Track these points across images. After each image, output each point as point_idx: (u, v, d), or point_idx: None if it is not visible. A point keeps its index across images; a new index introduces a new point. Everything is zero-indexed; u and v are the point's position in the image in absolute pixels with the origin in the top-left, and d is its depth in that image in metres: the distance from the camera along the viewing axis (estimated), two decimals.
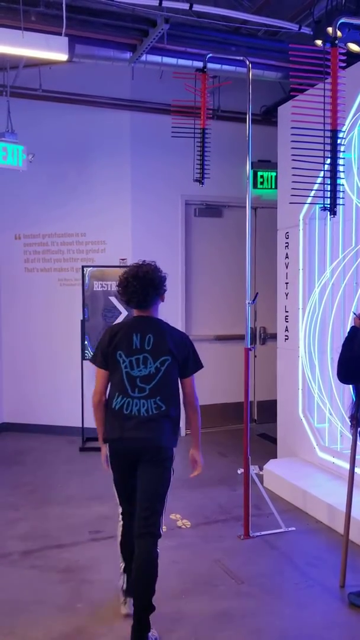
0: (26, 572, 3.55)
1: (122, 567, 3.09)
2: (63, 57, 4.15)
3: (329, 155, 3.27)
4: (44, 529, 4.14)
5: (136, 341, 2.89)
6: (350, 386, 3.46)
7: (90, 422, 6.26)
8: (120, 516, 3.06)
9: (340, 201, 3.40)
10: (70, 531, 4.11)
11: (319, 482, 4.62)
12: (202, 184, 4.38)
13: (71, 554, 3.78)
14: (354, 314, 3.50)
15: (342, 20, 3.32)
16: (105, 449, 3.00)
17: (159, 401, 2.86)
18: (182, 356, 2.92)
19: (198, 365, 3.01)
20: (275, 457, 5.47)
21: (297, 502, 4.55)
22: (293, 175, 3.27)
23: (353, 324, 3.40)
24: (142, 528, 2.80)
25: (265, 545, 3.92)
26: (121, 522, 3.05)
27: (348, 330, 3.45)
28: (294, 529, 4.14)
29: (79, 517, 4.36)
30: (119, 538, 3.07)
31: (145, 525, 2.80)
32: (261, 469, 4.74)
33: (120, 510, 3.06)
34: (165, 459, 2.86)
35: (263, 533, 4.04)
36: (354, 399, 3.40)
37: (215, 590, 3.34)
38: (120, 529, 3.06)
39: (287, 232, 5.33)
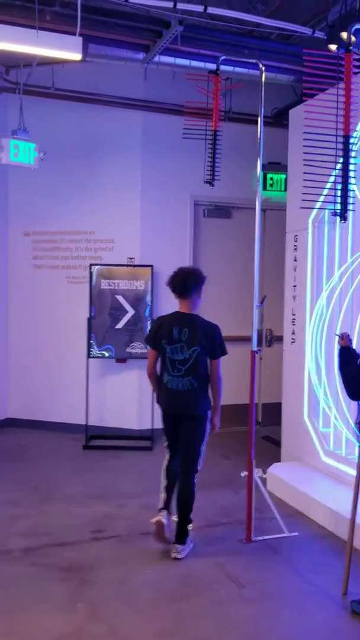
0: (27, 570, 3.55)
1: (163, 485, 3.92)
2: (77, 56, 4.15)
3: (341, 161, 3.25)
4: (45, 527, 4.15)
5: (175, 333, 3.75)
6: None
7: (94, 420, 6.33)
8: (167, 449, 3.94)
9: (350, 207, 3.38)
10: (72, 530, 4.11)
11: (323, 487, 4.60)
12: (213, 185, 4.38)
13: (72, 552, 3.78)
14: (337, 335, 3.52)
15: (357, 26, 3.30)
16: None
17: (191, 379, 3.74)
18: (209, 344, 3.75)
19: (223, 352, 3.82)
20: (279, 460, 5.46)
21: (301, 507, 4.54)
22: (304, 180, 3.26)
23: (340, 345, 3.41)
24: (184, 465, 3.82)
25: (267, 549, 3.91)
26: (167, 454, 3.94)
27: (337, 352, 3.46)
28: (296, 534, 4.13)
29: (81, 515, 4.37)
30: (165, 463, 3.95)
31: (186, 463, 3.82)
32: (264, 472, 4.74)
33: (166, 444, 3.95)
34: (197, 420, 3.79)
35: (265, 537, 4.03)
36: None
37: (216, 594, 3.33)
38: (166, 457, 3.94)
39: (296, 235, 5.31)
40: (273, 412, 6.20)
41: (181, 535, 3.77)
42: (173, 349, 3.73)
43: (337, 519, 4.11)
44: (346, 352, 3.37)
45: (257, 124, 4.08)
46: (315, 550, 3.95)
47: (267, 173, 6.61)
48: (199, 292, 3.83)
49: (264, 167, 6.32)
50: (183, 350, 3.72)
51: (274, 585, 3.47)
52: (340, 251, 4.83)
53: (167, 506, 3.87)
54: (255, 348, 4.16)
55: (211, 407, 3.86)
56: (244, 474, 4.15)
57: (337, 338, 3.56)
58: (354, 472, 4.42)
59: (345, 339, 3.42)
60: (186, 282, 3.76)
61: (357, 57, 3.19)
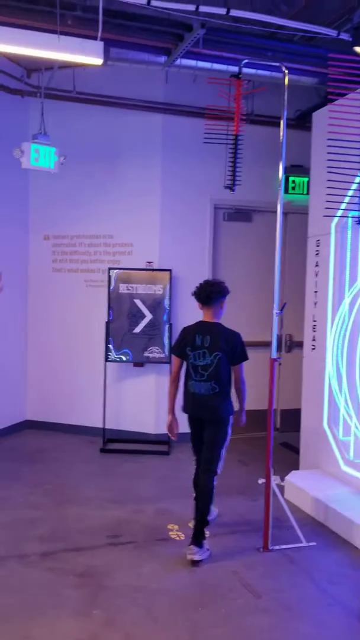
0: (43, 575, 3.55)
1: (194, 496, 4.02)
2: (98, 61, 4.15)
3: None
4: (62, 531, 4.14)
5: (198, 340, 3.97)
6: None
7: (111, 423, 6.32)
8: (195, 462, 4.12)
9: None
10: (89, 534, 4.10)
11: (342, 496, 4.53)
12: (233, 191, 4.33)
13: (88, 558, 3.77)
14: None
15: None
16: (169, 418, 4.15)
17: (213, 384, 3.93)
18: (230, 350, 3.93)
19: (243, 357, 4.00)
20: (297, 467, 5.40)
21: (319, 516, 4.47)
22: (328, 187, 3.21)
23: None
24: (204, 466, 3.97)
25: (284, 559, 3.86)
26: (195, 465, 4.12)
27: None
28: (314, 543, 4.07)
29: (98, 519, 4.36)
30: (194, 475, 4.11)
31: (205, 464, 3.96)
32: (282, 479, 4.68)
33: (194, 458, 4.13)
34: (218, 423, 3.97)
35: (283, 547, 3.98)
36: None
37: (232, 604, 3.29)
38: (195, 468, 4.11)
39: (318, 240, 5.25)
40: (292, 418, 6.14)
41: (197, 536, 3.83)
42: (196, 355, 3.96)
43: (356, 529, 4.04)
44: None
45: (279, 126, 4.03)
46: (333, 560, 3.88)
47: (289, 176, 6.54)
48: (222, 302, 4.05)
49: (285, 169, 6.28)
50: (205, 356, 3.95)
51: (290, 596, 3.42)
52: None
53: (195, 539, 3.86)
54: (274, 356, 4.11)
55: (237, 410, 4.11)
56: (261, 481, 4.11)
57: None
58: None
59: None
60: (210, 293, 4.00)
61: None
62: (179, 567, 3.70)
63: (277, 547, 3.97)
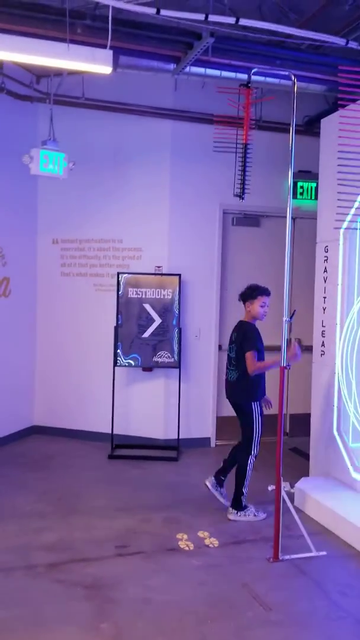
0: (51, 587, 3.54)
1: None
2: (107, 70, 4.15)
3: None
4: (69, 541, 4.14)
5: (232, 336, 4.76)
6: None
7: (120, 429, 6.31)
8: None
9: None
10: (96, 544, 4.09)
11: (353, 504, 4.51)
12: (243, 199, 4.31)
13: (96, 569, 3.76)
14: None
15: None
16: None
17: (235, 372, 4.66)
18: (239, 341, 4.61)
19: (248, 347, 4.54)
20: (307, 473, 5.38)
21: (329, 525, 4.45)
22: (339, 192, 3.18)
23: None
24: (239, 443, 4.73)
25: (294, 569, 3.84)
26: None
27: None
28: (325, 553, 4.05)
29: (105, 529, 4.35)
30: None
31: (239, 441, 4.71)
32: (292, 486, 4.66)
33: None
34: (240, 407, 4.67)
35: (293, 557, 3.96)
36: None
37: (242, 617, 3.28)
38: None
39: (327, 246, 5.22)
40: (302, 423, 6.11)
41: (233, 500, 4.64)
42: (229, 348, 4.77)
43: None
44: None
45: (288, 132, 4.01)
46: (344, 571, 3.86)
47: (297, 181, 6.53)
48: (250, 303, 4.66)
49: (294, 175, 6.26)
50: (232, 349, 4.72)
51: (301, 609, 3.40)
52: None
53: (217, 475, 4.78)
54: (284, 363, 4.10)
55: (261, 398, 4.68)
56: (271, 488, 4.09)
57: None
58: None
59: None
60: (243, 293, 4.72)
61: None
62: (188, 578, 3.69)
63: (287, 557, 3.95)
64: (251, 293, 4.64)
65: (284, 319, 4.12)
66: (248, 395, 4.59)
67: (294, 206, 6.25)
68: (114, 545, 4.08)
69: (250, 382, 4.57)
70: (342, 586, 3.66)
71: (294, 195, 6.55)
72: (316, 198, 5.60)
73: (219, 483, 4.77)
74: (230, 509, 4.63)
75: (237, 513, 4.61)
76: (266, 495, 4.69)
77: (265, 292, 4.64)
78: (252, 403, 4.58)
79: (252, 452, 4.61)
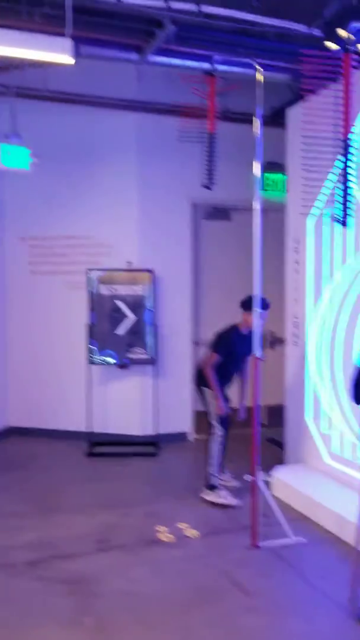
0: (32, 584, 3.50)
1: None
2: (68, 59, 4.08)
3: (340, 164, 3.19)
4: (50, 538, 4.10)
5: None
6: None
7: (97, 427, 6.27)
8: None
9: (351, 212, 3.32)
10: (77, 541, 4.06)
11: (328, 490, 4.56)
12: (210, 189, 4.31)
13: (77, 565, 3.73)
14: None
15: (355, 24, 3.23)
16: None
17: None
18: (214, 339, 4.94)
19: (211, 347, 4.87)
20: (283, 462, 5.42)
21: (306, 511, 4.49)
22: (303, 185, 3.21)
23: None
24: None
25: (273, 556, 3.86)
26: None
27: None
28: (302, 539, 4.08)
29: (86, 525, 4.32)
30: None
31: None
32: (269, 474, 4.70)
33: None
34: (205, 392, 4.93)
35: (272, 544, 3.98)
36: None
37: (223, 604, 3.29)
38: None
39: (296, 237, 5.26)
40: (278, 414, 6.15)
41: (205, 480, 4.82)
42: None
43: (343, 523, 4.06)
44: None
45: (253, 123, 4.02)
46: (322, 555, 3.90)
47: (264, 173, 6.54)
48: (248, 314, 4.62)
49: (262, 167, 6.25)
50: None
51: (280, 593, 3.43)
52: (341, 253, 4.77)
53: None
54: (259, 354, 4.11)
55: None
56: (248, 477, 4.10)
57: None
58: (358, 475, 4.40)
59: None
60: (243, 302, 4.81)
61: (356, 57, 3.13)
62: (170, 569, 3.69)
63: (266, 545, 3.97)
64: (248, 304, 4.54)
65: (257, 310, 4.13)
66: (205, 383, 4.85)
67: (263, 198, 6.27)
68: (95, 541, 4.06)
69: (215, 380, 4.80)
70: (321, 570, 3.70)
71: (263, 188, 6.56)
72: (285, 190, 5.63)
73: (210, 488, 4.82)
74: (204, 488, 4.77)
75: (207, 493, 4.76)
76: (244, 485, 4.75)
77: (264, 305, 4.52)
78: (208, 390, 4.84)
79: (216, 432, 4.81)
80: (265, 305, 4.50)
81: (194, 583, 3.52)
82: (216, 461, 4.80)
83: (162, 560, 3.79)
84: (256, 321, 4.18)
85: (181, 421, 6.49)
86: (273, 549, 3.94)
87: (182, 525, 4.28)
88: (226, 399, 4.89)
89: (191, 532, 4.18)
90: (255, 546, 3.96)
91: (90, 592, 3.42)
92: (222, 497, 4.71)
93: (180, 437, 6.47)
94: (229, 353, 4.81)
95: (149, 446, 6.15)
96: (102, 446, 6.19)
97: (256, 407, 4.09)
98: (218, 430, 4.82)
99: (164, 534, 4.16)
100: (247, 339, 4.55)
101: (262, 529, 4.03)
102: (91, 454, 6.01)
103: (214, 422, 4.84)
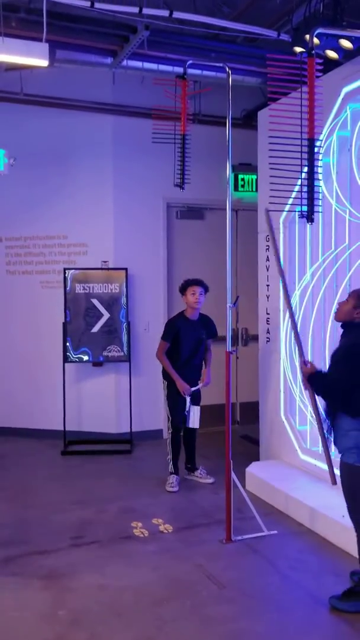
0: (7, 580, 3.53)
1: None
2: (43, 63, 4.14)
3: (306, 164, 3.30)
4: (24, 535, 4.13)
5: None
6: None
7: (72, 425, 6.30)
8: None
9: (319, 209, 3.43)
10: (51, 537, 4.10)
11: (301, 484, 4.66)
12: (183, 189, 4.39)
13: (52, 560, 3.77)
14: (305, 363, 3.44)
15: (319, 30, 3.34)
16: None
17: None
18: None
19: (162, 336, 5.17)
20: (257, 459, 5.51)
21: (279, 505, 4.58)
22: (271, 183, 3.30)
23: (307, 373, 3.35)
24: None
25: (247, 549, 3.95)
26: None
27: (308, 380, 3.37)
28: (275, 532, 4.17)
29: (60, 522, 4.35)
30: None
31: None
32: (244, 471, 4.77)
33: None
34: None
35: (245, 537, 4.07)
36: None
37: (196, 596, 3.36)
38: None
39: (268, 236, 5.36)
40: (251, 411, 6.25)
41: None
42: None
43: (315, 515, 4.16)
44: (317, 376, 3.33)
45: (226, 125, 4.12)
46: (294, 547, 3.99)
47: (237, 174, 6.67)
48: (184, 296, 5.14)
49: (234, 168, 6.39)
50: None
51: (253, 585, 3.51)
52: (311, 250, 4.89)
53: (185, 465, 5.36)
54: (229, 349, 4.19)
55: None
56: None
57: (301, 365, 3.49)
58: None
59: (311, 365, 3.40)
60: (179, 289, 5.22)
61: (320, 61, 3.23)
62: (143, 563, 3.74)
63: (239, 538, 4.05)
64: (182, 287, 5.12)
65: (228, 305, 4.22)
66: (163, 374, 5.16)
67: (235, 198, 6.38)
68: (69, 537, 4.10)
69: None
70: (293, 561, 3.78)
71: (235, 188, 6.69)
72: (257, 190, 5.73)
73: (190, 470, 5.27)
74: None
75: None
76: (218, 482, 4.84)
77: (192, 282, 5.08)
78: (164, 381, 5.16)
79: (169, 424, 5.16)
80: (198, 282, 5.07)
81: (167, 576, 3.59)
82: (169, 451, 5.12)
83: (136, 555, 3.85)
84: (194, 299, 5.00)
85: (156, 418, 6.55)
86: (246, 541, 4.03)
87: (156, 521, 4.34)
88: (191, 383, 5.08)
89: (165, 527, 4.24)
90: (228, 540, 4.03)
91: (65, 586, 3.46)
92: (167, 484, 5.02)
93: (155, 434, 6.52)
94: (177, 338, 5.06)
95: (124, 444, 6.20)
96: (78, 444, 6.22)
97: (228, 403, 4.17)
98: (170, 423, 5.13)
99: (138, 529, 4.21)
100: (194, 323, 5.11)
101: (236, 523, 4.11)
102: (66, 452, 6.03)
103: (168, 415, 5.17)
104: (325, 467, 4.58)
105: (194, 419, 5.07)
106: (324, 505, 4.18)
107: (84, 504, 4.69)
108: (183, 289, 5.13)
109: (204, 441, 5.82)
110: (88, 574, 3.59)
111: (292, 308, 3.90)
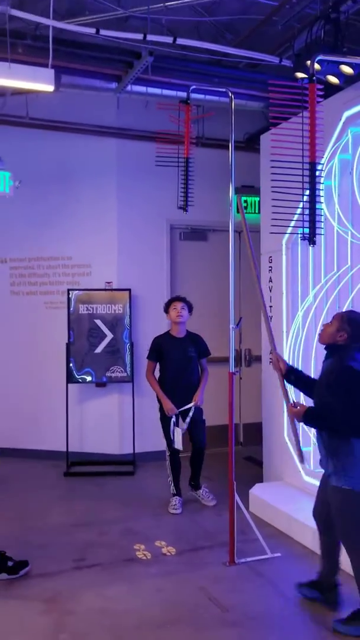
0: (9, 603, 3.51)
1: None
2: (49, 88, 4.22)
3: (308, 187, 3.34)
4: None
5: None
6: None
7: (75, 446, 6.27)
8: None
9: (321, 231, 3.46)
10: (54, 559, 4.07)
11: (304, 506, 4.60)
12: (186, 211, 4.45)
13: (54, 583, 3.74)
14: (294, 404, 3.44)
15: (320, 57, 3.41)
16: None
17: None
18: None
19: None
20: (261, 480, 5.48)
21: (283, 527, 4.55)
22: (273, 206, 3.34)
23: (300, 415, 3.33)
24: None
25: (250, 571, 3.91)
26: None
27: (303, 420, 3.36)
28: (279, 554, 4.13)
29: (63, 544, 4.32)
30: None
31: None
32: (247, 493, 4.73)
33: None
34: None
35: (248, 559, 4.03)
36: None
37: (200, 619, 3.32)
38: None
39: (271, 257, 5.40)
40: (255, 432, 6.23)
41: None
42: None
43: (317, 536, 4.11)
44: (313, 414, 3.30)
45: (229, 148, 4.18)
46: (298, 570, 3.94)
47: (240, 196, 6.71)
48: (167, 314, 5.23)
49: (237, 190, 6.44)
50: None
51: (257, 608, 3.47)
52: (313, 271, 4.92)
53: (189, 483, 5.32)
54: (232, 369, 4.20)
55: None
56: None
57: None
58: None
59: (300, 405, 3.39)
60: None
61: (321, 87, 3.29)
62: (146, 586, 3.71)
63: (242, 560, 4.02)
64: (166, 306, 5.22)
65: (231, 326, 4.24)
66: (157, 395, 5.12)
67: (237, 220, 6.43)
68: (72, 560, 4.06)
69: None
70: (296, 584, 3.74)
71: (238, 210, 6.73)
72: (259, 212, 5.79)
73: (193, 487, 5.25)
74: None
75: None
76: (221, 503, 4.81)
77: (173, 299, 5.22)
78: (158, 403, 5.12)
79: (166, 446, 5.11)
80: (179, 299, 5.16)
81: (170, 599, 3.55)
82: (169, 473, 5.13)
83: (138, 578, 3.81)
84: (175, 313, 5.04)
85: (159, 439, 6.49)
86: (250, 564, 3.99)
87: (159, 543, 4.31)
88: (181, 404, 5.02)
89: (168, 550, 4.21)
90: (232, 562, 4.00)
91: (67, 610, 3.43)
92: (170, 506, 5.01)
93: (158, 456, 6.47)
94: (163, 358, 5.08)
95: (127, 465, 6.17)
96: (80, 465, 6.20)
97: (231, 423, 4.17)
98: (168, 448, 5.09)
99: (140, 551, 4.18)
100: (180, 341, 5.12)
101: (240, 545, 4.08)
102: (69, 474, 6.01)
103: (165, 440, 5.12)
104: None
105: (177, 441, 4.95)
106: None
107: (86, 526, 4.66)
108: (166, 307, 5.17)
109: (207, 462, 5.78)
110: (90, 597, 3.56)
111: (266, 307, 3.97)
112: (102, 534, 4.52)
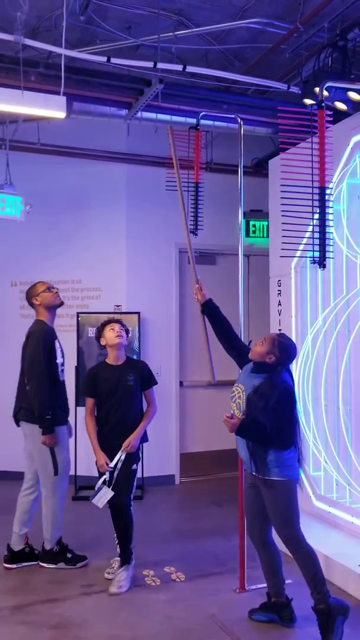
0: (16, 629, 3.46)
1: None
2: (61, 115, 4.31)
3: (318, 211, 3.37)
4: (35, 583, 4.06)
5: None
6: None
7: (83, 470, 6.23)
8: None
9: (330, 255, 3.48)
10: (62, 585, 4.02)
11: (315, 532, 4.55)
12: (196, 235, 4.49)
13: (62, 609, 3.69)
14: (231, 416, 3.38)
15: (329, 84, 3.47)
16: None
17: None
18: None
19: None
20: None
21: None
22: (283, 230, 3.37)
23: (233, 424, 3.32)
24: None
25: (261, 598, 3.82)
26: None
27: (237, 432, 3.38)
28: (290, 581, 4.03)
29: (71, 569, 4.28)
30: None
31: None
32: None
33: None
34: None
35: (259, 586, 3.96)
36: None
37: None
38: None
39: (279, 280, 5.42)
40: None
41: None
42: None
43: (330, 564, 4.06)
44: (247, 427, 3.33)
45: (237, 173, 4.24)
46: (309, 597, 3.86)
47: (249, 220, 6.78)
48: (104, 339, 4.32)
49: (246, 214, 6.52)
50: None
51: (269, 636, 3.41)
52: (323, 295, 4.93)
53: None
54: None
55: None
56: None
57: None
58: (345, 516, 4.43)
59: (235, 417, 3.36)
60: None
61: (330, 112, 3.35)
62: (155, 612, 3.66)
63: (253, 587, 3.95)
64: (98, 332, 4.39)
65: None
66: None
67: (247, 244, 6.48)
68: (80, 585, 4.02)
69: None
70: (308, 611, 3.65)
71: (247, 234, 6.79)
72: (268, 236, 5.83)
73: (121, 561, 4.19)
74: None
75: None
76: (231, 528, 4.74)
77: (107, 321, 4.35)
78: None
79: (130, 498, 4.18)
80: (115, 320, 4.36)
81: (179, 627, 3.49)
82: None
83: (147, 604, 3.76)
84: (113, 334, 4.20)
85: (167, 463, 6.49)
86: (260, 591, 3.91)
87: (168, 569, 4.26)
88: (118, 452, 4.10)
89: (177, 576, 4.15)
90: (242, 589, 3.94)
91: (75, 636, 3.37)
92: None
93: (166, 480, 6.44)
94: (98, 392, 4.17)
95: (135, 489, 6.10)
96: (88, 489, 6.12)
97: None
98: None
99: (150, 577, 4.13)
100: (117, 369, 4.18)
101: (250, 571, 4.01)
102: (77, 498, 5.96)
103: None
104: (340, 513, 4.52)
105: (98, 498, 4.07)
106: (339, 553, 4.08)
107: (94, 551, 4.61)
108: (99, 333, 4.29)
109: (216, 487, 5.76)
110: (99, 624, 3.51)
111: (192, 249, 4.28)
112: (110, 559, 4.46)
